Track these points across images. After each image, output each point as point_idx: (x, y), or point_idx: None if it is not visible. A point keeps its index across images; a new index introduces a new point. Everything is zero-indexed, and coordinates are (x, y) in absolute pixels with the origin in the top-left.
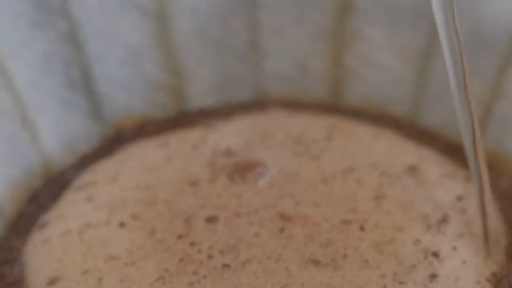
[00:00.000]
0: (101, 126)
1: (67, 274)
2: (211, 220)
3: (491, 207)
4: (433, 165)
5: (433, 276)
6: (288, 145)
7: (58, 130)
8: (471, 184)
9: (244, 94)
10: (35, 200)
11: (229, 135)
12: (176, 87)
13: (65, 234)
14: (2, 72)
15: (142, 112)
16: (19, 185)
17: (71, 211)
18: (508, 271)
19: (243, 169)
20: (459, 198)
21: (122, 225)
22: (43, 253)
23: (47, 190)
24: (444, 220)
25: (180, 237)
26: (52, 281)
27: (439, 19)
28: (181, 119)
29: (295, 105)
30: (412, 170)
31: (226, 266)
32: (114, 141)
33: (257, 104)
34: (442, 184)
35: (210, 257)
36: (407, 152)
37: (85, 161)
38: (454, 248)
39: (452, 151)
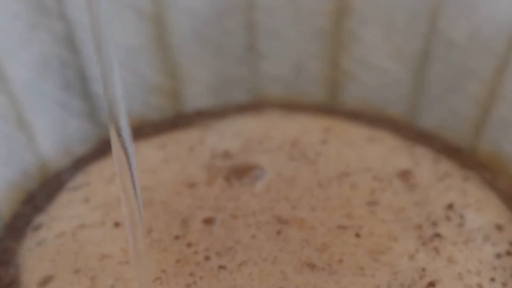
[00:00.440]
0: (97, 128)
1: (60, 274)
2: (208, 221)
3: None
4: (427, 169)
5: None
6: (284, 148)
7: (54, 132)
8: (467, 185)
9: (241, 96)
10: (30, 202)
11: (227, 137)
12: (173, 89)
13: (59, 235)
14: None
15: (139, 114)
16: (15, 187)
17: (65, 212)
18: None
19: (241, 172)
20: (450, 206)
21: (117, 225)
22: (37, 254)
23: (42, 191)
24: (437, 234)
25: (177, 237)
26: (44, 281)
27: None
28: (178, 121)
29: (291, 107)
30: (405, 174)
31: (222, 267)
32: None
33: (254, 106)
34: (435, 189)
35: (206, 258)
36: (401, 155)
37: (81, 163)
38: (448, 267)
39: (449, 152)
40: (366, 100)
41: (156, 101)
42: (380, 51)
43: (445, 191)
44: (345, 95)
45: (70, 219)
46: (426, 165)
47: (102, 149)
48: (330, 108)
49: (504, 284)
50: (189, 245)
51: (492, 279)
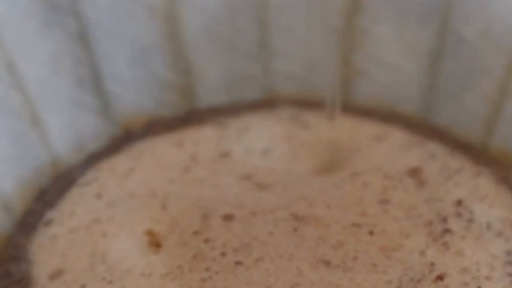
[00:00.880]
0: (110, 125)
1: (71, 267)
2: (227, 218)
3: None
4: (438, 165)
5: None
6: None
7: (67, 129)
8: (479, 181)
9: (253, 93)
10: (42, 198)
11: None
12: (185, 86)
13: (71, 230)
14: (12, 71)
15: (151, 111)
16: (28, 184)
17: (77, 208)
18: None
19: None
20: (460, 202)
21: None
22: (48, 250)
23: (53, 187)
24: (447, 230)
25: (195, 233)
26: (55, 274)
27: None
28: (190, 118)
29: (304, 104)
30: (415, 172)
31: (238, 263)
32: (123, 139)
33: (266, 103)
34: (446, 185)
35: (223, 254)
36: (412, 152)
37: (92, 159)
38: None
39: (461, 149)
40: (378, 97)
41: (168, 98)
42: (392, 49)
43: (456, 187)
44: (357, 92)
45: (82, 214)
46: (437, 162)
47: (114, 146)
48: (342, 106)
49: None
50: (206, 240)
51: (503, 274)
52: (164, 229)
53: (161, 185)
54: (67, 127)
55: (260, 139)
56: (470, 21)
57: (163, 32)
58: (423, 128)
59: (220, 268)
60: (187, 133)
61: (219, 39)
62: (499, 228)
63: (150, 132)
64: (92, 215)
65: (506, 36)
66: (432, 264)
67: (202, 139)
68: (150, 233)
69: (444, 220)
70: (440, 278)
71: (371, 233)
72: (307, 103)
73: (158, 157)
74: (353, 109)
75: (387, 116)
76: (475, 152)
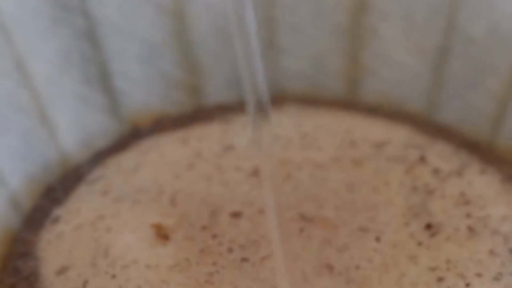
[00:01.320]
0: (118, 122)
1: (76, 264)
2: (235, 215)
3: None
4: (444, 163)
5: None
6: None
7: (75, 127)
8: (486, 178)
9: None
10: (49, 195)
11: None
12: (193, 84)
13: (76, 227)
14: (20, 69)
15: (159, 109)
16: (37, 181)
17: (83, 205)
18: None
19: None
20: (466, 201)
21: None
22: (55, 247)
23: (61, 184)
24: (453, 229)
25: (204, 228)
26: (61, 271)
27: None
28: (198, 115)
29: (311, 102)
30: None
31: (245, 260)
32: (130, 136)
33: (273, 101)
34: (453, 183)
35: (230, 250)
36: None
37: (99, 156)
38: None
39: (468, 146)
40: (385, 95)
41: (176, 96)
42: (399, 47)
43: (462, 185)
44: (365, 90)
45: (88, 211)
46: (444, 160)
47: (121, 143)
48: (350, 104)
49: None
50: (214, 236)
51: (505, 272)
52: (172, 223)
53: (167, 181)
54: (75, 124)
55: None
56: (477, 20)
57: (171, 30)
58: (430, 126)
59: (226, 264)
60: (193, 131)
61: (226, 37)
62: (505, 226)
63: (158, 129)
64: (98, 211)
65: None
66: (432, 269)
67: (207, 135)
68: (158, 226)
69: (454, 219)
70: (441, 279)
71: (377, 239)
72: (315, 101)
73: (163, 153)
74: (360, 107)
75: (394, 114)
76: (482, 150)
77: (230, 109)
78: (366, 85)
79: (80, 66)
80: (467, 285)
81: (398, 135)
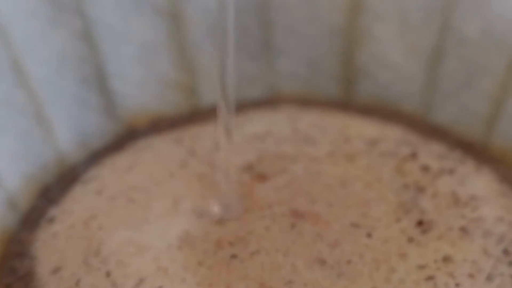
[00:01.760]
0: (115, 123)
1: (68, 263)
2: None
3: None
4: (439, 163)
5: None
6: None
7: (72, 127)
8: (480, 178)
9: (257, 92)
10: (45, 194)
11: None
12: (189, 85)
13: (69, 227)
14: (17, 70)
15: (156, 109)
16: (33, 181)
17: (77, 205)
18: None
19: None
20: (459, 200)
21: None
22: (50, 247)
23: (56, 184)
24: (447, 228)
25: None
26: (55, 270)
27: None
28: (194, 116)
29: (307, 103)
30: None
31: (233, 256)
32: (127, 137)
33: (269, 102)
34: (447, 181)
35: (219, 247)
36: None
37: (96, 156)
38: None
39: (462, 146)
40: (380, 96)
41: (172, 97)
42: (394, 48)
43: (456, 185)
44: (360, 91)
45: (81, 211)
46: (438, 159)
47: (117, 144)
48: (345, 104)
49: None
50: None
51: (499, 273)
52: None
53: (161, 179)
54: (72, 125)
55: (259, 125)
56: (471, 20)
57: (168, 31)
58: (424, 125)
59: (214, 261)
60: (188, 131)
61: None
62: (498, 227)
63: (154, 130)
64: (91, 211)
65: (507, 35)
66: (422, 267)
67: (202, 135)
68: None
69: (446, 218)
70: (430, 278)
71: (369, 235)
72: (310, 102)
73: (158, 153)
74: (355, 107)
75: (389, 114)
76: (476, 150)
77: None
78: (361, 86)
79: (77, 66)
80: (457, 285)
81: (392, 133)
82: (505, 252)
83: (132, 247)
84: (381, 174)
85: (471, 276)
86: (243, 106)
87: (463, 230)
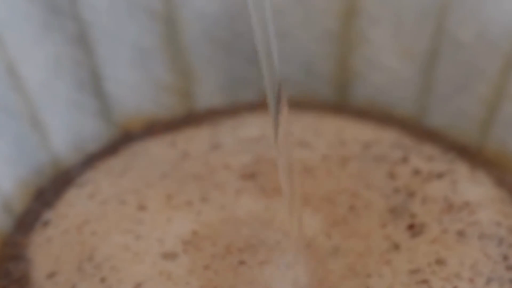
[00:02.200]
0: (110, 126)
1: (62, 268)
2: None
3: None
4: (433, 167)
5: None
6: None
7: (67, 131)
8: (474, 182)
9: (251, 96)
10: (40, 197)
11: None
12: (184, 89)
13: (63, 232)
14: (12, 74)
15: (151, 113)
16: (28, 185)
17: (71, 209)
18: None
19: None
20: (454, 204)
21: (121, 219)
22: (45, 251)
23: (52, 187)
24: (442, 231)
25: None
26: (50, 275)
27: None
28: (189, 120)
29: (301, 106)
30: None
31: (242, 263)
32: (122, 141)
33: (263, 105)
34: (441, 185)
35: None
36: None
37: (90, 159)
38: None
39: (457, 150)
40: (375, 100)
41: (167, 100)
42: (388, 51)
43: (451, 189)
44: (354, 94)
45: (75, 216)
46: (432, 163)
47: (112, 147)
48: (340, 108)
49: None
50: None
51: (498, 278)
52: None
53: (154, 181)
54: (67, 129)
55: (253, 128)
56: (465, 24)
57: (163, 35)
58: (419, 130)
59: (221, 266)
60: (183, 134)
61: (218, 43)
62: (494, 231)
63: (149, 133)
64: (84, 216)
65: (501, 39)
66: (417, 271)
67: (196, 137)
68: None
69: (438, 222)
70: (425, 282)
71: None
72: (305, 105)
73: (152, 155)
74: (349, 111)
75: (383, 117)
76: (471, 154)
77: (221, 113)
78: (355, 90)
79: (72, 70)
80: None
81: (386, 137)
82: (504, 256)
83: (126, 251)
84: (373, 178)
85: (470, 280)
86: (238, 111)
87: (460, 233)
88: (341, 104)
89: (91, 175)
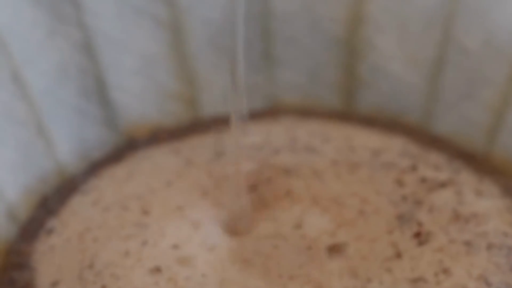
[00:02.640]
0: (115, 134)
1: (64, 277)
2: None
3: None
4: (439, 174)
5: None
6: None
7: (72, 138)
8: (481, 189)
9: (257, 103)
10: (44, 205)
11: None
12: (189, 96)
13: (67, 239)
14: (17, 81)
15: (156, 120)
16: (33, 192)
17: (74, 217)
18: None
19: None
20: (460, 213)
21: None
22: (49, 259)
23: (56, 195)
24: (448, 240)
25: None
26: (54, 283)
27: None
28: (194, 127)
29: (307, 113)
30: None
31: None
32: (126, 148)
33: (270, 113)
34: (447, 193)
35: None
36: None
37: (95, 167)
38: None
39: (464, 157)
40: (380, 107)
41: (172, 108)
42: (395, 59)
43: (457, 196)
44: (361, 102)
45: (77, 224)
46: (439, 171)
47: (117, 155)
48: (346, 115)
49: None
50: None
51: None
52: None
53: (156, 188)
54: (72, 136)
55: (258, 135)
56: (472, 31)
57: (168, 43)
58: (425, 137)
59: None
60: (188, 142)
61: (223, 50)
62: (502, 241)
63: (154, 141)
64: (86, 223)
65: (508, 46)
66: (420, 279)
67: (201, 145)
68: None
69: (445, 231)
70: None
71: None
72: (311, 112)
73: (156, 163)
74: (356, 118)
75: (390, 125)
76: (477, 161)
77: (226, 121)
78: (362, 97)
79: (77, 78)
80: None
81: (394, 144)
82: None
83: (127, 258)
84: (382, 185)
85: None
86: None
87: (468, 244)
88: (347, 111)
89: (95, 182)
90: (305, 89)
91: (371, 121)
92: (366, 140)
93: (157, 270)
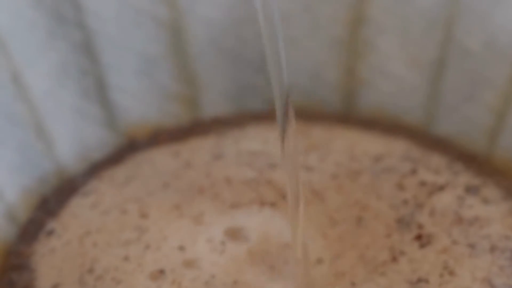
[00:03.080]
0: (115, 135)
1: (65, 281)
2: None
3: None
4: (441, 176)
5: None
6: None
7: (72, 140)
8: (482, 191)
9: (258, 104)
10: (43, 206)
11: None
12: (190, 97)
13: (66, 243)
14: (17, 82)
15: (156, 121)
16: (33, 194)
17: (74, 219)
18: None
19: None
20: (462, 215)
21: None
22: (49, 261)
23: (56, 196)
24: (452, 242)
25: None
26: (54, 286)
27: None
28: (195, 128)
29: (308, 115)
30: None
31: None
32: (127, 149)
33: (270, 114)
34: (449, 195)
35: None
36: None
37: (95, 168)
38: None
39: (465, 159)
40: (382, 108)
41: (173, 109)
42: (396, 60)
43: (459, 198)
44: (362, 103)
45: (77, 227)
46: (440, 172)
47: (117, 156)
48: (347, 117)
49: None
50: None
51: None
52: None
53: (154, 191)
54: (72, 137)
55: (256, 142)
56: (473, 32)
57: (169, 43)
58: (427, 138)
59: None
60: (188, 144)
61: (224, 51)
62: (505, 244)
63: (154, 142)
64: (86, 227)
65: (509, 47)
66: (421, 281)
67: (201, 147)
68: None
69: (448, 233)
70: None
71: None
72: (312, 114)
73: (155, 165)
74: (357, 121)
75: (391, 126)
76: (479, 163)
77: (226, 122)
78: (363, 98)
79: (77, 79)
80: None
81: (395, 148)
82: None
83: (127, 262)
84: (382, 189)
85: None
86: (244, 120)
87: (471, 246)
88: (348, 112)
89: (95, 184)
90: (306, 90)
91: (372, 124)
92: (368, 146)
93: (160, 272)
